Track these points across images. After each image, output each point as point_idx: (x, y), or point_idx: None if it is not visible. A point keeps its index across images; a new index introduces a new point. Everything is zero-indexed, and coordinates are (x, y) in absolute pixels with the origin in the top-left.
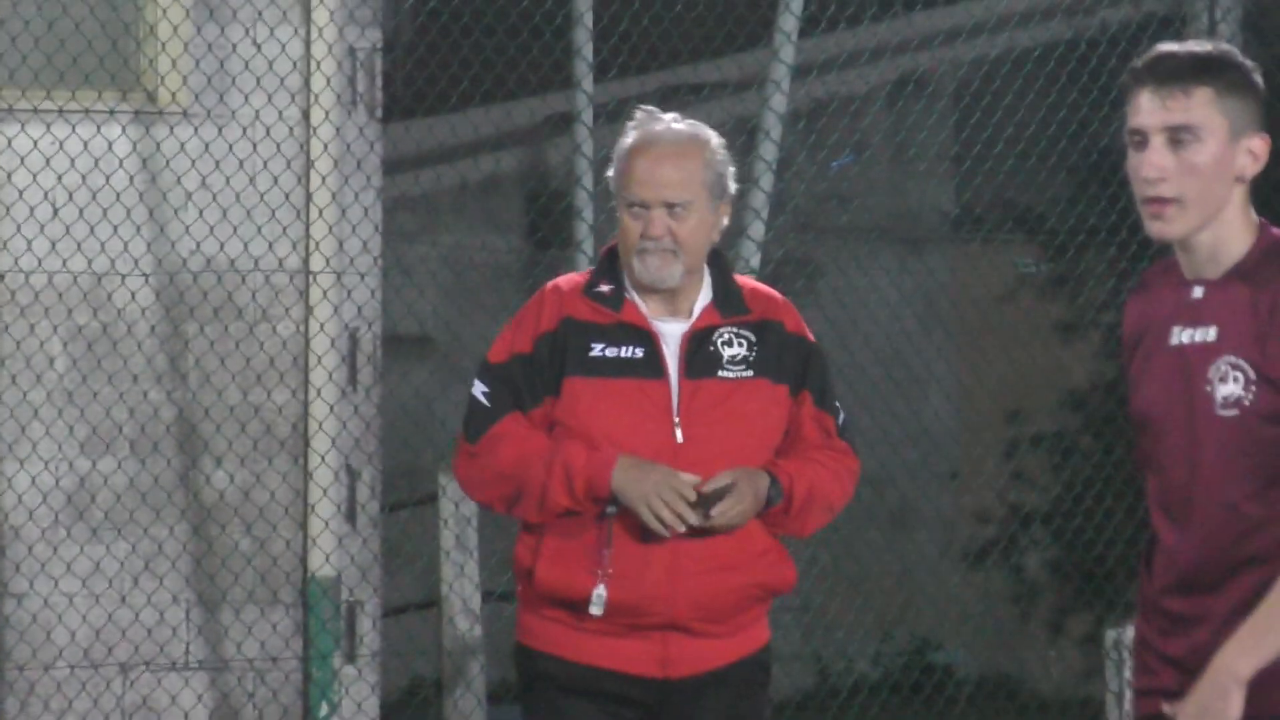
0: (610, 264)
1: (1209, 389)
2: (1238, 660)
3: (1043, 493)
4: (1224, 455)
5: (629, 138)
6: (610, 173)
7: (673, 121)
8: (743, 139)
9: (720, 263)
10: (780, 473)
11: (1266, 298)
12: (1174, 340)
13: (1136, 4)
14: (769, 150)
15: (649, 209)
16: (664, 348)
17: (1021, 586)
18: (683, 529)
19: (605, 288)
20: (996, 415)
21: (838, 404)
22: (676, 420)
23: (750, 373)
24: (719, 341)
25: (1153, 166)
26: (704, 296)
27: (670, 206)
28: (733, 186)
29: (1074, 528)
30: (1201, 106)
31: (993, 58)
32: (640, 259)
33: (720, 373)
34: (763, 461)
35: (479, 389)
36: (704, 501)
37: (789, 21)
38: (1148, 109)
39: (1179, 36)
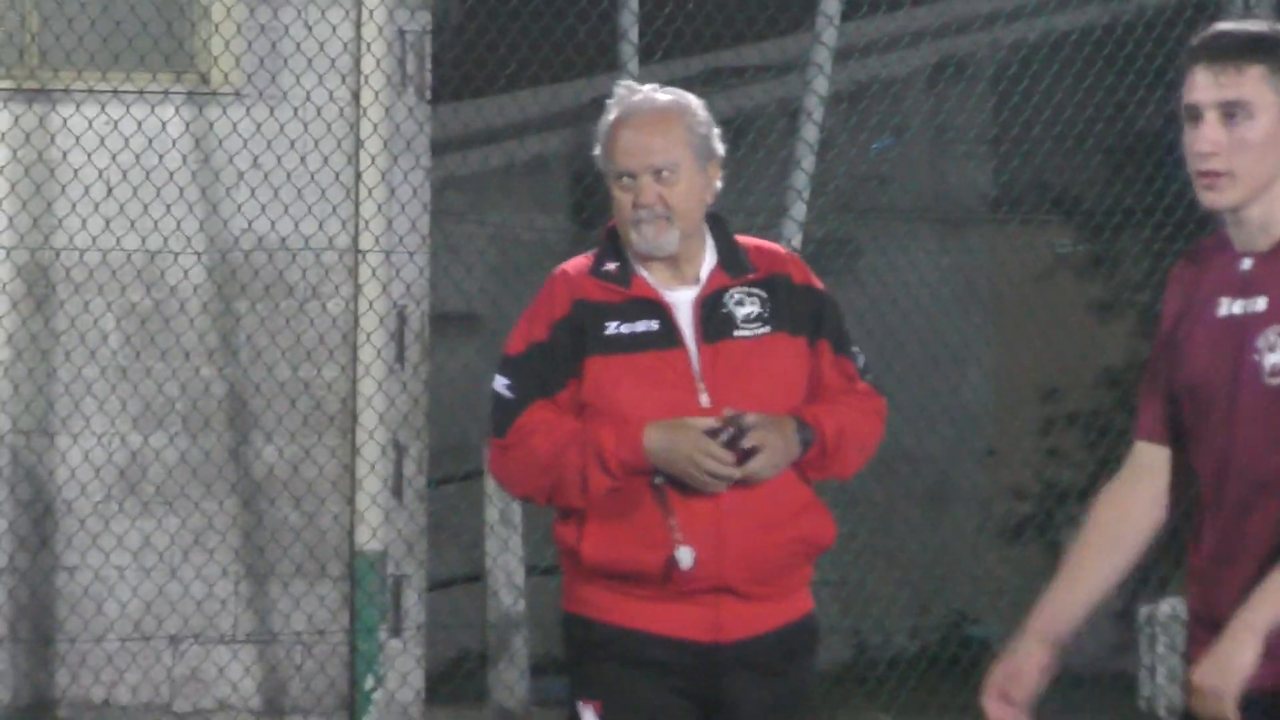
0: (613, 242)
1: (1257, 358)
2: (1254, 613)
3: (1078, 470)
4: (1269, 423)
5: (611, 113)
6: (597, 150)
7: (652, 91)
8: (785, 121)
9: (720, 225)
10: (807, 416)
11: None
12: (1222, 311)
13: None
14: (810, 132)
15: (637, 178)
16: (678, 316)
17: (1057, 562)
18: (729, 482)
19: (611, 265)
20: (1033, 393)
21: (855, 348)
22: (701, 385)
23: (767, 329)
24: (731, 303)
25: (1206, 140)
26: (709, 260)
27: (657, 172)
28: (720, 147)
29: None
30: (1254, 83)
31: (1031, 42)
32: (636, 229)
33: (737, 333)
34: (789, 412)
35: (500, 383)
36: (732, 426)
37: (831, 5)
38: (1202, 85)
39: (1215, 21)
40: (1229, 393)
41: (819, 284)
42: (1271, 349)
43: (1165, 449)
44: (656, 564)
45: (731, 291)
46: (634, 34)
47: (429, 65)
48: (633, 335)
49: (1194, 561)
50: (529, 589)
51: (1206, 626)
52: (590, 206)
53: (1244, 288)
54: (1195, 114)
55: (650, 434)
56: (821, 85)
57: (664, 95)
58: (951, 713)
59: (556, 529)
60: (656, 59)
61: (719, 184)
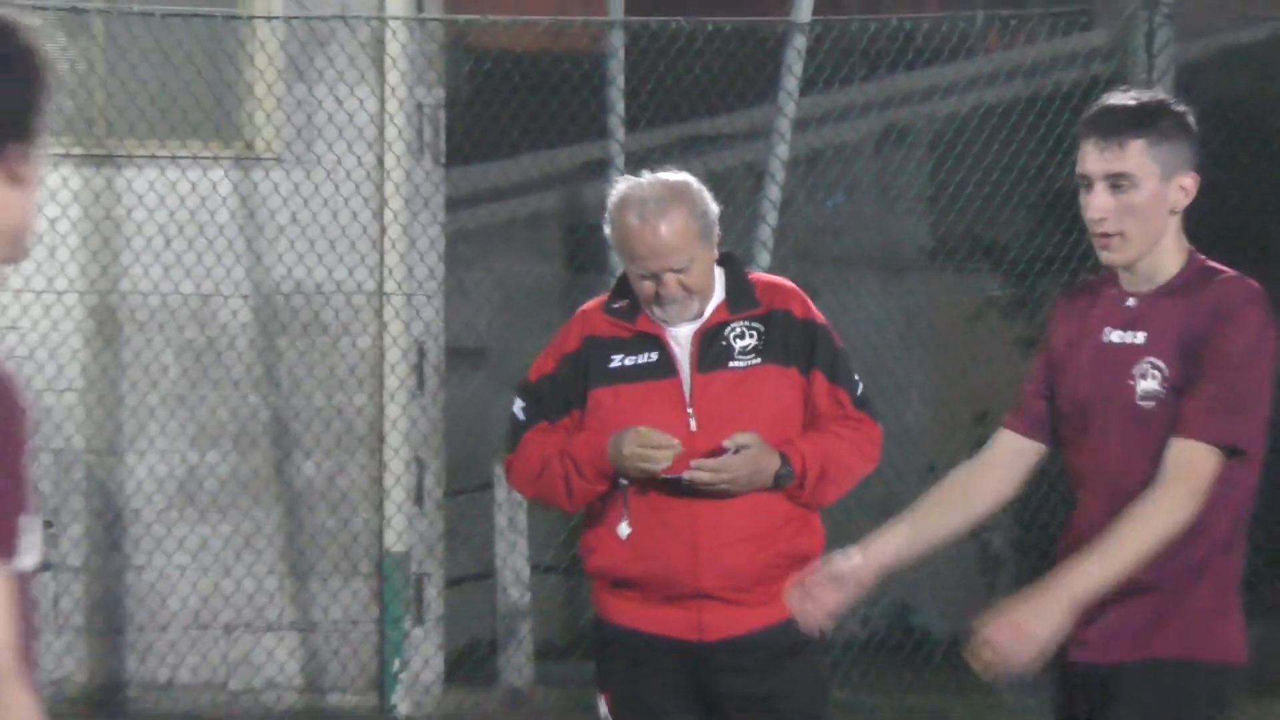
0: (624, 282)
1: (1131, 383)
2: (1079, 578)
3: None
4: (1135, 438)
5: (620, 210)
6: (606, 229)
7: (655, 187)
8: (751, 181)
9: (733, 264)
10: (793, 453)
11: (1197, 317)
12: (1105, 338)
13: (1085, 67)
14: (773, 191)
15: (660, 275)
16: (675, 348)
17: (988, 560)
18: (663, 466)
19: (621, 304)
20: (966, 416)
21: (856, 377)
22: (690, 412)
23: (759, 360)
24: (731, 335)
25: (1096, 209)
26: (717, 296)
27: (678, 270)
28: (715, 211)
29: (1031, 510)
30: (1136, 156)
31: (963, 113)
32: (659, 307)
33: (731, 363)
34: (776, 440)
35: (516, 405)
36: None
37: (791, 81)
38: (1091, 158)
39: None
40: (1104, 410)
41: (819, 317)
42: (1144, 376)
43: (1035, 444)
44: (645, 571)
45: (733, 325)
46: (620, 107)
47: (443, 134)
48: (634, 366)
49: (1062, 546)
50: (533, 585)
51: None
52: (581, 255)
53: (1128, 322)
54: (1087, 183)
55: (610, 441)
56: (783, 151)
57: (668, 192)
58: (897, 690)
59: (580, 541)
60: (640, 128)
61: (718, 242)
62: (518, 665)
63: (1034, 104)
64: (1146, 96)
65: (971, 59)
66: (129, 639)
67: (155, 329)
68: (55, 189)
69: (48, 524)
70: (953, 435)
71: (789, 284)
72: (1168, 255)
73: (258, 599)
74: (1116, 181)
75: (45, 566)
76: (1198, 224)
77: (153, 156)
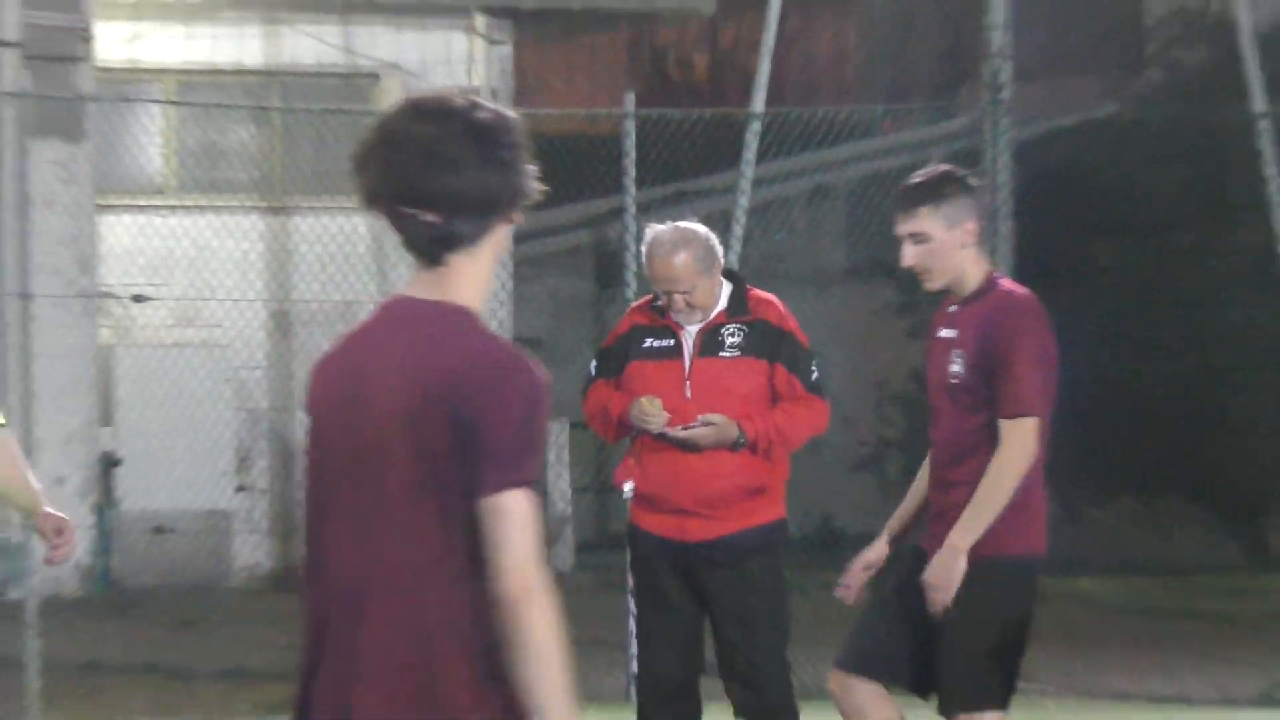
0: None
1: (947, 366)
2: (960, 537)
3: (896, 429)
4: (950, 405)
5: (647, 248)
6: (644, 258)
7: (670, 234)
8: (722, 224)
9: (736, 280)
10: (748, 426)
11: (989, 318)
12: (940, 334)
13: (950, 144)
14: (737, 231)
15: (671, 294)
16: (685, 340)
17: (886, 483)
18: (655, 427)
19: (658, 304)
20: (870, 385)
21: (813, 367)
22: (688, 385)
23: (740, 354)
24: (725, 334)
25: (905, 258)
26: (721, 304)
27: (683, 293)
28: (719, 249)
29: (922, 446)
30: (923, 219)
31: (868, 176)
32: (674, 313)
33: (721, 354)
34: (740, 413)
35: (591, 365)
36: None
37: (749, 154)
38: (898, 224)
39: (974, 164)
40: (935, 385)
41: (790, 325)
42: (952, 363)
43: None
44: (650, 492)
45: (728, 326)
46: (632, 171)
47: None
48: (657, 348)
49: (931, 498)
50: (573, 500)
51: (936, 523)
52: (606, 275)
53: (949, 322)
54: (900, 239)
55: (629, 405)
56: (744, 202)
57: (679, 238)
58: (818, 573)
59: (614, 473)
60: (646, 186)
61: (721, 269)
62: (563, 556)
63: (916, 170)
64: (934, 172)
65: (873, 138)
66: (297, 541)
67: (315, 326)
68: (247, 230)
69: (243, 459)
70: (861, 398)
71: (773, 299)
72: (969, 276)
73: None
74: (915, 238)
75: (239, 488)
76: (1028, 248)
77: (311, 207)
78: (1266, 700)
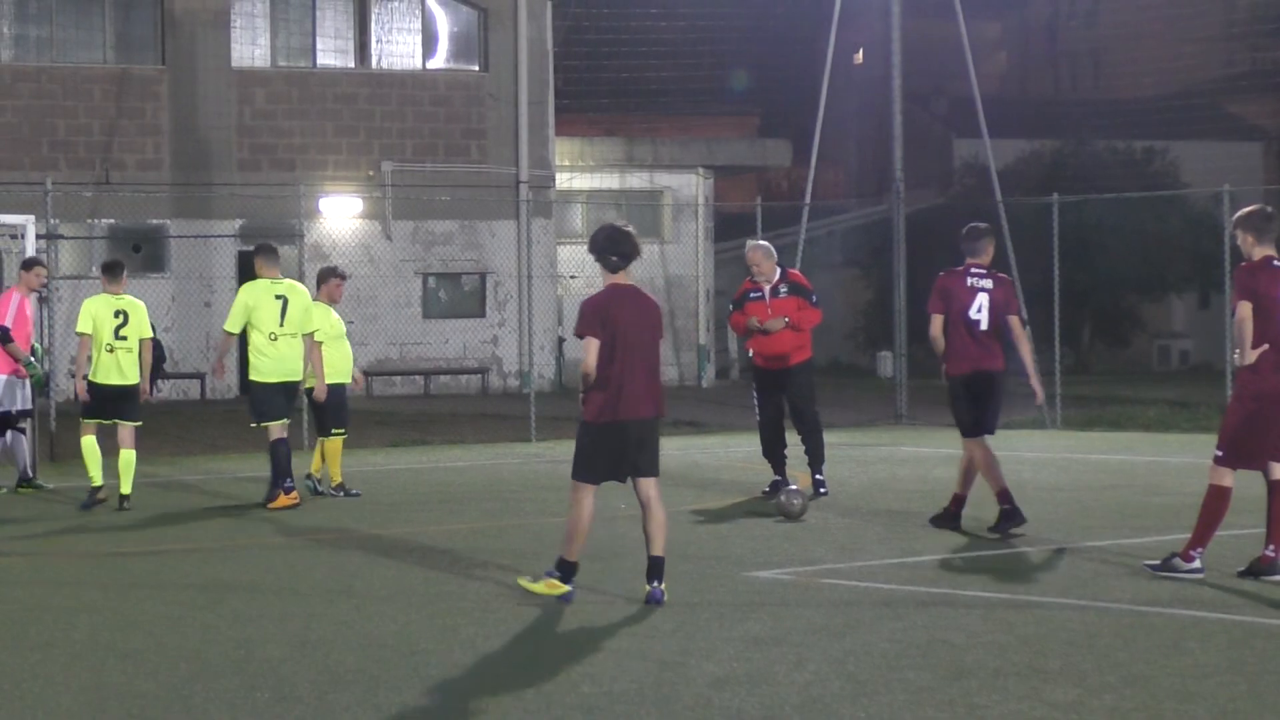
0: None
1: (978, 304)
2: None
3: (859, 353)
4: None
5: (748, 251)
6: (746, 253)
7: (757, 242)
8: (792, 246)
9: (783, 265)
10: (793, 319)
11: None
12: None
13: (867, 218)
14: (799, 250)
15: (757, 278)
16: (765, 289)
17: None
18: (757, 328)
19: (754, 275)
20: (838, 321)
21: (815, 298)
22: (770, 309)
23: (788, 294)
24: (781, 287)
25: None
26: (777, 275)
27: (763, 273)
28: (775, 253)
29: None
30: (769, 265)
31: (837, 231)
32: (759, 279)
33: (779, 296)
34: (789, 314)
35: (730, 304)
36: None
37: (803, 216)
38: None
39: (888, 231)
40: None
41: (804, 282)
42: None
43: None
44: (757, 348)
45: (781, 285)
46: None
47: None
48: (755, 295)
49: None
50: (720, 355)
51: None
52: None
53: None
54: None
55: (747, 322)
56: (801, 239)
57: (762, 244)
58: (819, 384)
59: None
60: (768, 230)
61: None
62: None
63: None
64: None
65: (843, 214)
66: None
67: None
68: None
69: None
70: (836, 329)
71: (797, 272)
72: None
73: None
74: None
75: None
76: (913, 276)
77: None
78: None
